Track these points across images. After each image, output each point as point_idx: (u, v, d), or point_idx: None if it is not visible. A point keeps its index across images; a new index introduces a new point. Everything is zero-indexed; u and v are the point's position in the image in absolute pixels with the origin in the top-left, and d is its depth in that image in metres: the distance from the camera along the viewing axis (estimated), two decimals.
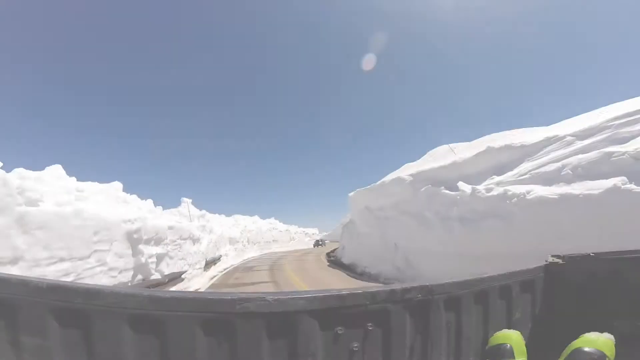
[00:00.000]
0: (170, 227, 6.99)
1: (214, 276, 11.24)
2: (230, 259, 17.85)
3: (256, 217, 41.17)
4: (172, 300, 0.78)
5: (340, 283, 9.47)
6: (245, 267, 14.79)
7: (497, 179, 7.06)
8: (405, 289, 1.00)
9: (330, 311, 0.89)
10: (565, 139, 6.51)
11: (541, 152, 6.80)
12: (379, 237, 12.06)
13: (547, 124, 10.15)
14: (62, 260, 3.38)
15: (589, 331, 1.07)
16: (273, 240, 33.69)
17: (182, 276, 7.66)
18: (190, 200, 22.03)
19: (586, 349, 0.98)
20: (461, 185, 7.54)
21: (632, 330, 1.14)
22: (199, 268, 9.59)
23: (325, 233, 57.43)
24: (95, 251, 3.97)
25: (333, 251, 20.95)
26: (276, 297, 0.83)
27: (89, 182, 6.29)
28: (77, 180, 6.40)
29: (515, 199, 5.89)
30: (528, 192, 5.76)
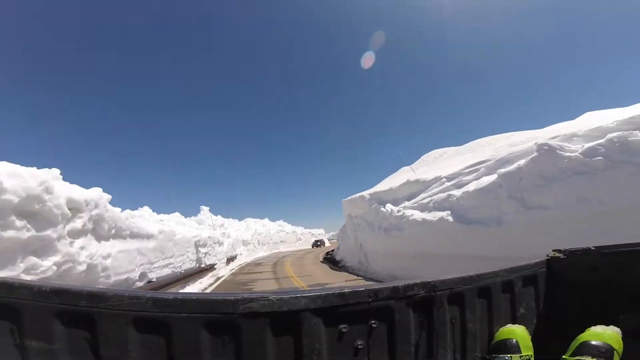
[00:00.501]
0: (209, 237, 12.17)
1: (233, 268, 16.46)
2: (244, 257, 23.10)
3: (266, 220, 46.14)
4: (175, 301, 0.82)
5: (321, 272, 14.25)
6: (255, 263, 19.96)
7: (406, 203, 11.66)
8: (407, 286, 1.04)
9: (333, 309, 0.92)
10: (441, 180, 11.03)
11: (430, 187, 11.34)
12: (355, 239, 16.85)
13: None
14: (180, 256, 8.58)
15: (593, 325, 1.11)
16: (281, 241, 38.87)
17: (215, 266, 12.86)
18: (208, 208, 27.26)
19: (593, 342, 1.01)
20: (387, 206, 12.16)
21: (638, 324, 1.16)
22: (223, 262, 14.84)
23: (332, 233, 62.21)
24: (186, 251, 9.20)
25: (332, 250, 25.78)
26: (279, 297, 0.87)
27: (163, 215, 11.65)
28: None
29: (405, 219, 10.50)
30: (411, 215, 10.35)
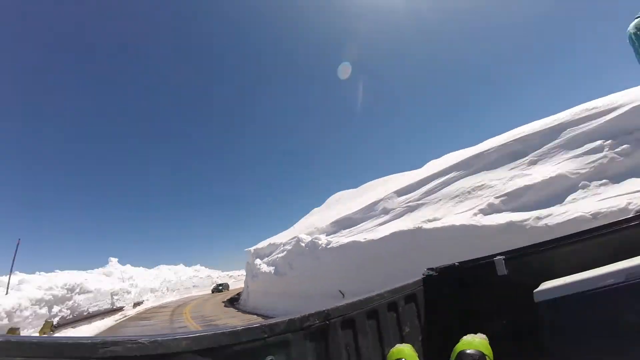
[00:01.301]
0: (120, 288, 18.16)
1: (139, 310, 21.78)
2: (151, 302, 27.73)
3: (181, 266, 49.29)
4: (5, 344, 0.70)
5: (212, 309, 20.75)
6: (160, 306, 25.09)
7: (266, 259, 19.77)
8: (303, 317, 1.12)
9: (223, 349, 0.92)
10: (280, 244, 19.55)
11: (278, 248, 19.76)
12: (246, 282, 24.00)
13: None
14: (101, 301, 14.68)
15: (467, 334, 1.30)
16: (193, 286, 42.91)
17: (123, 308, 18.57)
18: (117, 259, 30.79)
19: (468, 351, 1.19)
20: (257, 260, 20.09)
21: (501, 329, 1.39)
22: (130, 305, 20.51)
23: None
24: (106, 298, 15.28)
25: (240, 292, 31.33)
26: (153, 339, 0.83)
27: (87, 272, 17.27)
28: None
29: (260, 269, 18.47)
30: (262, 268, 18.39)
